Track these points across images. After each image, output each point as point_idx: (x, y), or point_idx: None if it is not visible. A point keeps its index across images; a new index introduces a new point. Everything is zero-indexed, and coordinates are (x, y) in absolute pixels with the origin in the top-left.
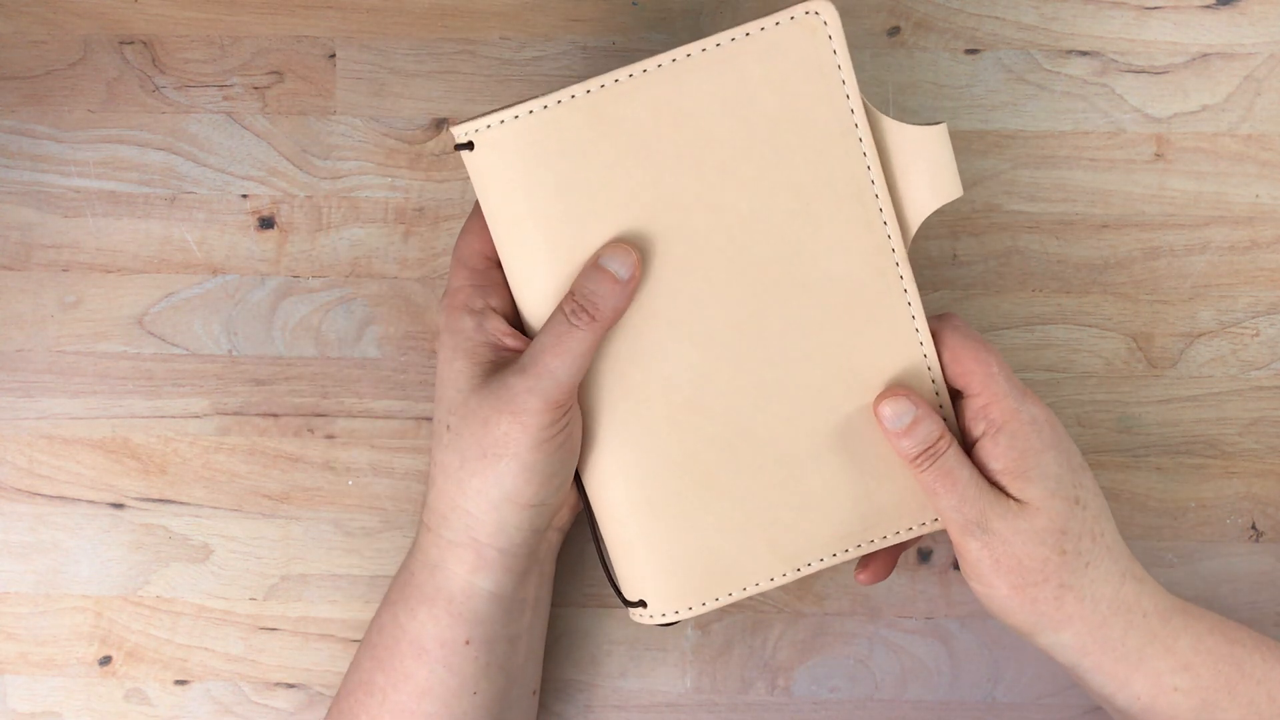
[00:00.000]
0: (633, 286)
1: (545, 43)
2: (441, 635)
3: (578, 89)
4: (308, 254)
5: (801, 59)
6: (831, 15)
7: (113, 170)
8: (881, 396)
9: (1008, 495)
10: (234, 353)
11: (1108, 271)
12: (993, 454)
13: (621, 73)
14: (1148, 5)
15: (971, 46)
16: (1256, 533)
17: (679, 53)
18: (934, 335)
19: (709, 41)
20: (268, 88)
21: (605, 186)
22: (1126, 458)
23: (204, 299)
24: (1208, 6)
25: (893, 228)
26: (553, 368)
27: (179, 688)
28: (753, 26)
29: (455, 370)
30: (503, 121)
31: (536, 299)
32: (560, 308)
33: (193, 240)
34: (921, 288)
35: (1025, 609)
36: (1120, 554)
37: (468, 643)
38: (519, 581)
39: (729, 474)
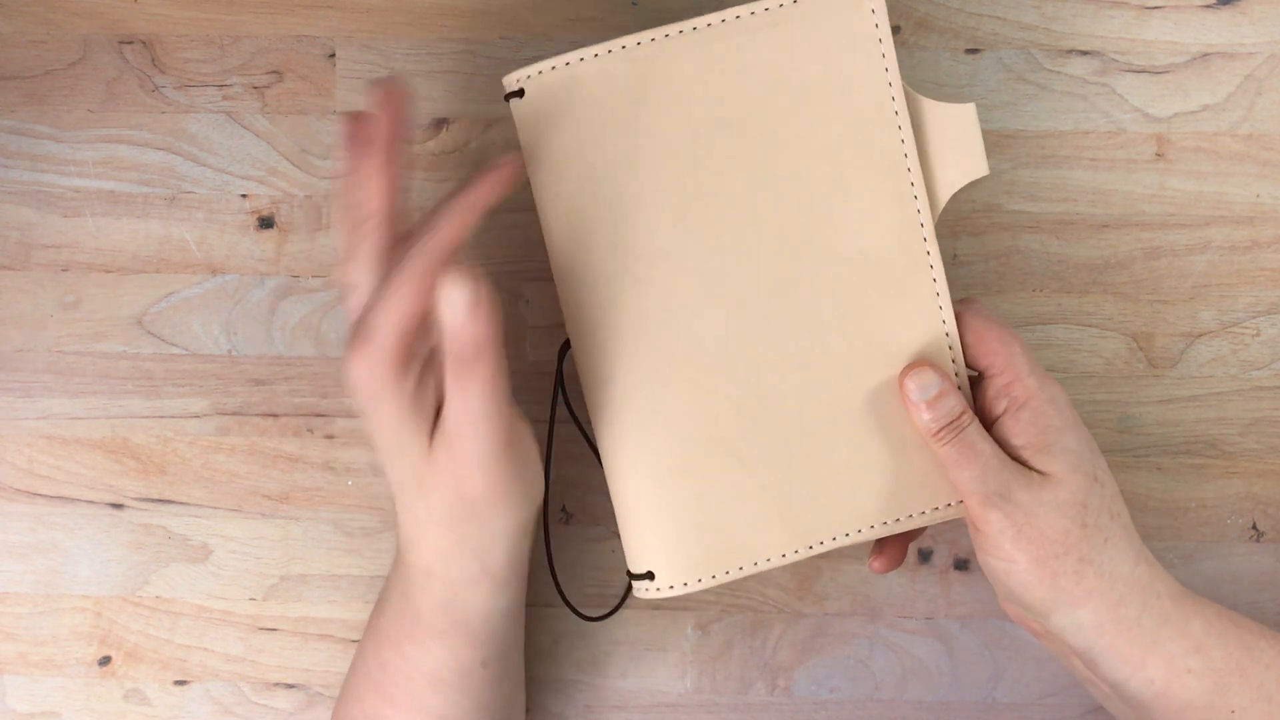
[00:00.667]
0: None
1: (545, 42)
2: (460, 665)
3: (629, 40)
4: (307, 254)
5: (847, 31)
6: None
7: (112, 170)
8: (907, 369)
9: (1030, 468)
10: (233, 353)
11: (1108, 271)
12: (1014, 430)
13: (672, 29)
14: (1148, 5)
15: (972, 46)
16: (1257, 533)
17: (729, 13)
18: (957, 317)
19: (759, 5)
20: (267, 87)
21: (648, 138)
22: (1127, 458)
23: (203, 299)
24: (1208, 6)
25: (923, 203)
26: (476, 420)
27: (178, 688)
28: None
29: (410, 431)
30: (554, 68)
31: (571, 249)
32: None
33: (192, 240)
34: None
35: (1045, 583)
36: (1134, 536)
37: (484, 665)
38: (523, 583)
39: (748, 442)
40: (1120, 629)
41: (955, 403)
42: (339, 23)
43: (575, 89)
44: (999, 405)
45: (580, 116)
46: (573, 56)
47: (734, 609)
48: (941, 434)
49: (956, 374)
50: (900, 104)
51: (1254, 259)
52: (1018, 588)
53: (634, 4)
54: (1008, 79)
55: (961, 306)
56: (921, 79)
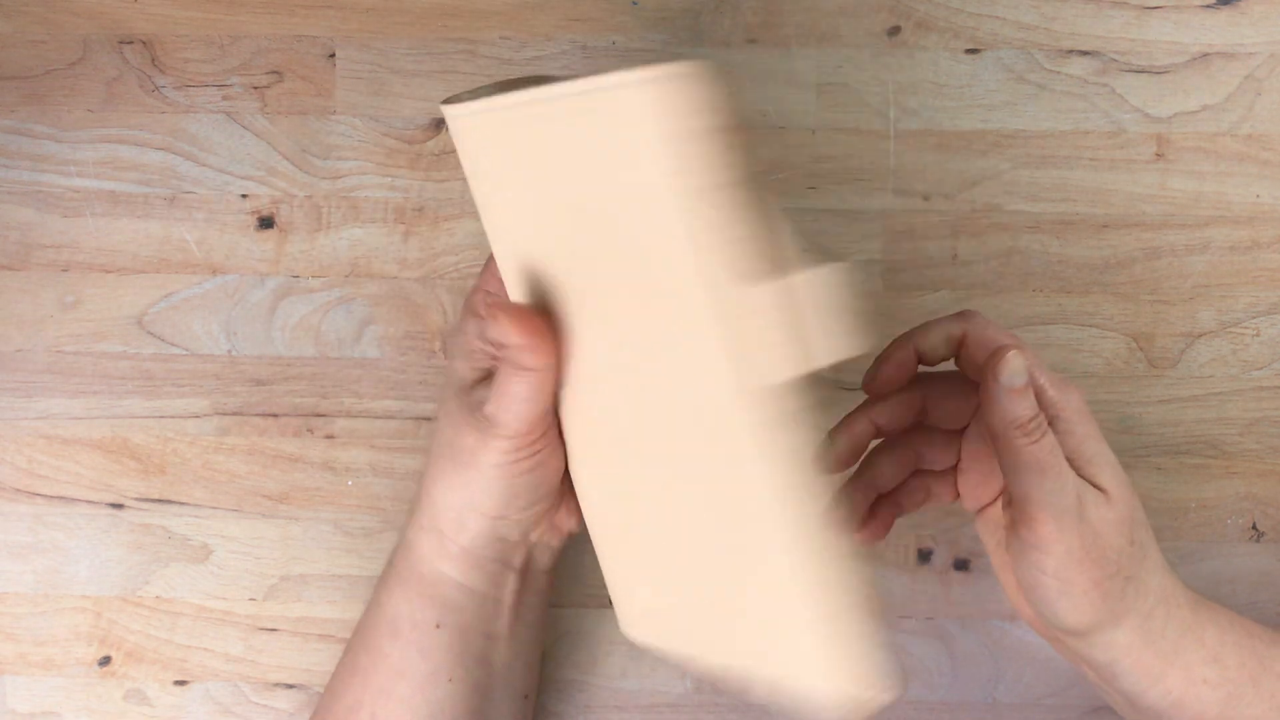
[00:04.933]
0: (535, 345)
1: (545, 43)
2: (413, 616)
3: (497, 101)
4: (307, 254)
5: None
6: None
7: (112, 170)
8: (997, 354)
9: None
10: (233, 353)
11: (1108, 271)
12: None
13: (525, 95)
14: (1148, 5)
15: (972, 46)
16: (1257, 533)
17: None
18: (959, 333)
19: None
20: (267, 87)
21: (519, 205)
22: (1127, 458)
23: (203, 299)
24: (1208, 6)
25: (737, 394)
26: (505, 409)
27: (178, 688)
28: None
29: (453, 368)
30: (469, 112)
31: (510, 281)
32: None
33: (192, 240)
34: (922, 288)
35: (1096, 604)
36: (1157, 548)
37: (438, 627)
38: (490, 580)
39: (653, 530)
40: (1147, 643)
41: (1034, 400)
42: (339, 23)
43: (477, 134)
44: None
45: (479, 161)
46: (472, 106)
47: None
48: (1031, 428)
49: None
50: (698, 273)
51: (1254, 259)
52: (1066, 611)
53: (634, 4)
54: (1008, 79)
55: (962, 321)
56: (921, 79)
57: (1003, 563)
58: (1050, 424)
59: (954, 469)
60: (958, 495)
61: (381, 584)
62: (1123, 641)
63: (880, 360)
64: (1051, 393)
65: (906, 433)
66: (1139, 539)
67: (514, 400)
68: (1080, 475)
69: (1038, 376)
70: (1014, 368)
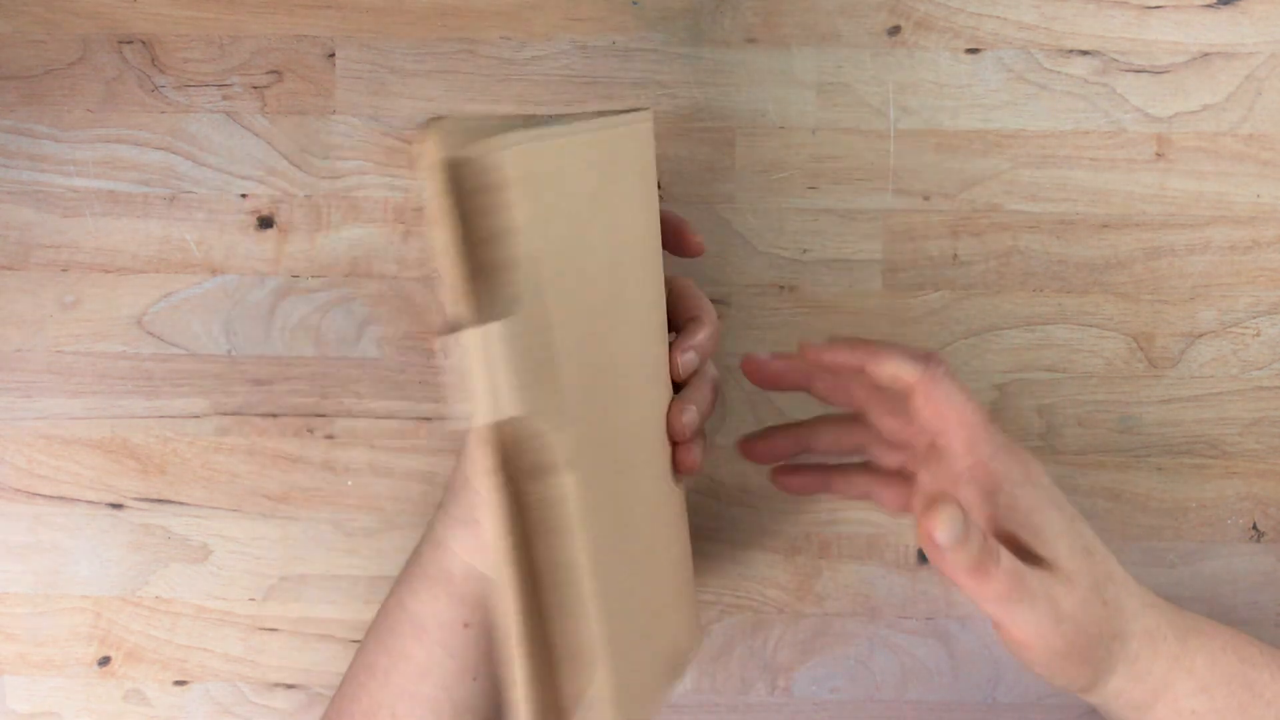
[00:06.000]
0: None
1: (545, 42)
2: (440, 615)
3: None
4: (307, 254)
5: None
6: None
7: (112, 170)
8: (928, 511)
9: (1033, 556)
10: (233, 353)
11: (1108, 271)
12: (995, 517)
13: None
14: (1149, 5)
15: (972, 46)
16: (1257, 533)
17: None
18: (916, 382)
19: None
20: (267, 87)
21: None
22: (1127, 458)
23: (203, 299)
24: (1209, 6)
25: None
26: None
27: (178, 688)
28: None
29: None
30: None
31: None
32: None
33: (192, 240)
34: (922, 288)
35: (1087, 673)
36: (1133, 586)
37: (466, 626)
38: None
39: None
40: (1135, 683)
41: (976, 529)
42: (339, 23)
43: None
44: (970, 492)
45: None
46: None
47: (734, 609)
48: (983, 571)
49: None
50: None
51: (1254, 259)
52: (1062, 682)
53: (634, 3)
54: (1008, 79)
55: (922, 367)
56: (922, 79)
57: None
58: (991, 497)
59: (902, 478)
60: (902, 508)
61: (403, 582)
62: (1112, 688)
63: (765, 437)
64: (994, 465)
65: (854, 420)
66: (1110, 596)
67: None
68: (1035, 552)
69: (981, 446)
70: (950, 519)
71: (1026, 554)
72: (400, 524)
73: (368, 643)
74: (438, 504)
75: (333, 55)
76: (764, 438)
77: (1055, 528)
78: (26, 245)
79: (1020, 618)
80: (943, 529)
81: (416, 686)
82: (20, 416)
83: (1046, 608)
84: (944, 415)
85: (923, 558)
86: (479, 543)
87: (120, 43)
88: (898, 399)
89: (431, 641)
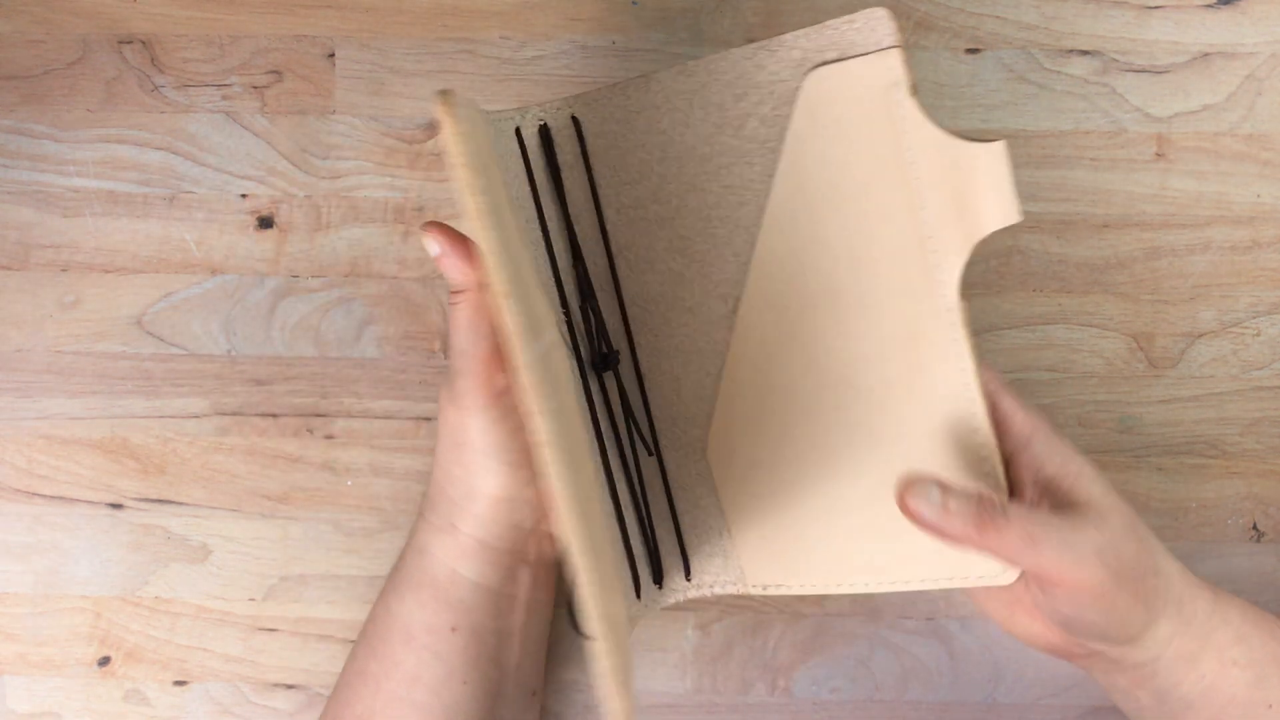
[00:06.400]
0: (459, 257)
1: (545, 42)
2: (427, 621)
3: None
4: (307, 254)
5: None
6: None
7: (112, 170)
8: (900, 493)
9: (1071, 500)
10: (233, 353)
11: (1108, 271)
12: (1033, 465)
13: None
14: (1149, 4)
15: (972, 46)
16: (1258, 533)
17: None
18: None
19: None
20: (267, 87)
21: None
22: (1127, 458)
23: (203, 299)
24: (1209, 6)
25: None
26: (457, 347)
27: (178, 688)
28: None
29: (449, 372)
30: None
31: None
32: None
33: (192, 240)
34: None
35: (1139, 611)
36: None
37: (454, 630)
38: (505, 576)
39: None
40: (1184, 628)
41: (966, 493)
42: (339, 23)
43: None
44: (1006, 442)
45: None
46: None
47: (734, 609)
48: (985, 526)
49: (984, 447)
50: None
51: (1254, 259)
52: (1115, 627)
53: (634, 3)
54: (1008, 79)
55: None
56: (922, 79)
57: (1005, 619)
58: (1027, 447)
59: None
60: None
61: (390, 589)
62: (1164, 634)
63: None
64: (1020, 417)
65: None
66: (1143, 534)
67: (459, 331)
68: (1070, 496)
69: (1005, 403)
70: (922, 492)
71: (1063, 498)
72: (400, 524)
73: (359, 649)
74: (419, 511)
75: (333, 55)
76: None
77: (1089, 471)
78: (26, 245)
79: (1055, 556)
80: (920, 503)
81: (407, 692)
82: (20, 416)
83: (1083, 541)
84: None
85: None
86: (461, 548)
87: (120, 43)
88: None
89: (420, 647)
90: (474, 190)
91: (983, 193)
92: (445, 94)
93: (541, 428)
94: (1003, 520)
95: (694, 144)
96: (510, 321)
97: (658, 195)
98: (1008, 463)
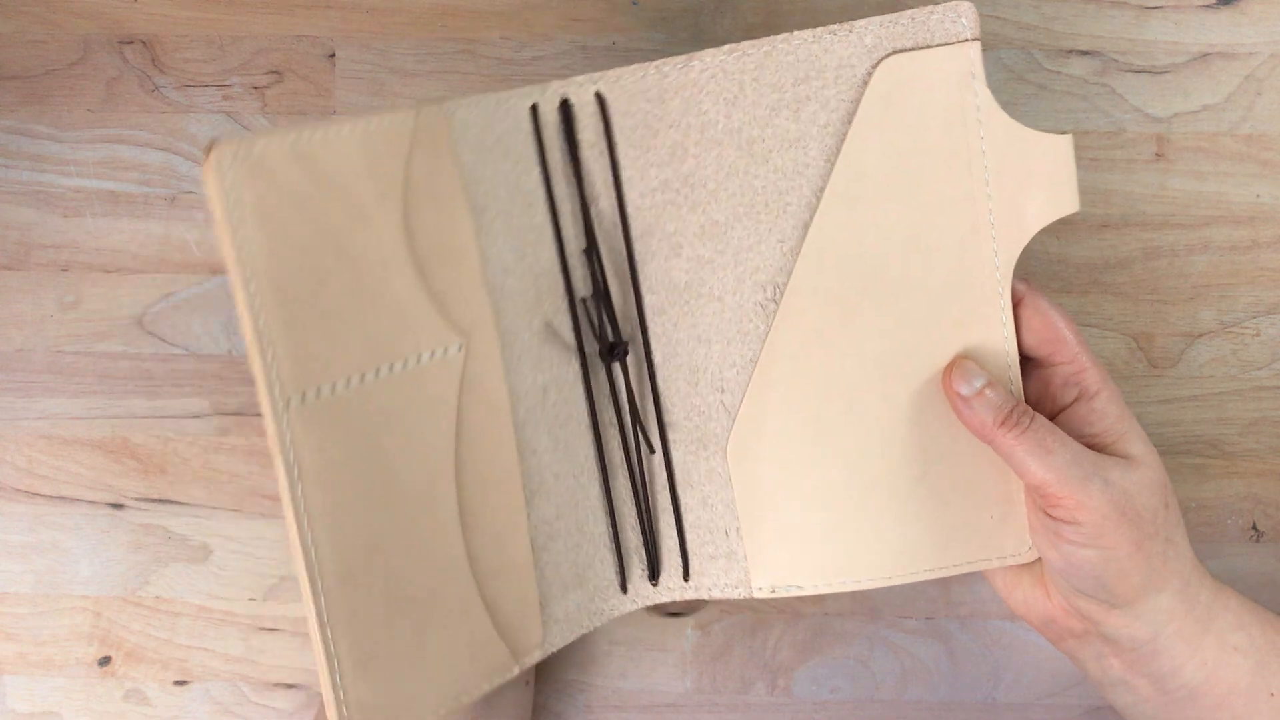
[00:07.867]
0: None
1: (545, 42)
2: None
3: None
4: None
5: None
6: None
7: (112, 170)
8: (947, 371)
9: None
10: (233, 352)
11: (1108, 271)
12: (1089, 419)
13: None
14: (1148, 5)
15: None
16: (1257, 533)
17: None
18: (1016, 300)
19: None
20: (267, 87)
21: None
22: None
23: (203, 299)
24: (1208, 6)
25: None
26: None
27: (179, 688)
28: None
29: None
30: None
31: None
32: None
33: (192, 240)
34: None
35: (1141, 567)
36: None
37: None
38: None
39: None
40: (1187, 608)
41: (1005, 394)
42: (339, 23)
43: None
44: (1068, 394)
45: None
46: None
47: (734, 609)
48: (1008, 424)
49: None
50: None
51: (1254, 259)
52: (1113, 577)
53: (634, 4)
54: (1008, 79)
55: (1022, 290)
56: None
57: (1009, 586)
58: (1089, 400)
59: None
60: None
61: None
62: (1166, 607)
63: None
64: (1095, 371)
65: None
66: (1171, 504)
67: None
68: (1110, 452)
69: (1084, 357)
70: (965, 373)
71: (1107, 451)
72: None
73: None
74: None
75: (333, 55)
76: None
77: (1137, 431)
78: (27, 245)
79: (1063, 469)
80: (961, 382)
81: None
82: (20, 416)
83: (1096, 470)
84: (1051, 324)
85: None
86: None
87: (120, 43)
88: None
89: None
90: (233, 246)
91: (1049, 182)
92: (213, 144)
93: (281, 477)
94: (1026, 422)
95: (740, 125)
96: (258, 375)
97: (691, 178)
98: (1067, 408)
